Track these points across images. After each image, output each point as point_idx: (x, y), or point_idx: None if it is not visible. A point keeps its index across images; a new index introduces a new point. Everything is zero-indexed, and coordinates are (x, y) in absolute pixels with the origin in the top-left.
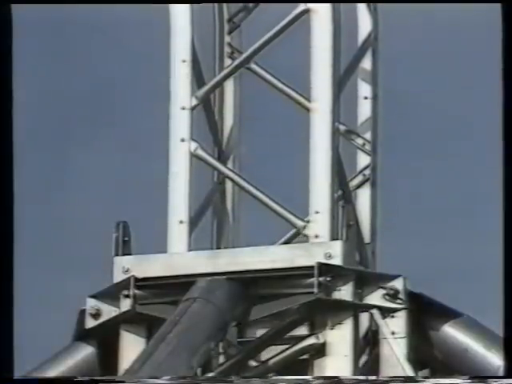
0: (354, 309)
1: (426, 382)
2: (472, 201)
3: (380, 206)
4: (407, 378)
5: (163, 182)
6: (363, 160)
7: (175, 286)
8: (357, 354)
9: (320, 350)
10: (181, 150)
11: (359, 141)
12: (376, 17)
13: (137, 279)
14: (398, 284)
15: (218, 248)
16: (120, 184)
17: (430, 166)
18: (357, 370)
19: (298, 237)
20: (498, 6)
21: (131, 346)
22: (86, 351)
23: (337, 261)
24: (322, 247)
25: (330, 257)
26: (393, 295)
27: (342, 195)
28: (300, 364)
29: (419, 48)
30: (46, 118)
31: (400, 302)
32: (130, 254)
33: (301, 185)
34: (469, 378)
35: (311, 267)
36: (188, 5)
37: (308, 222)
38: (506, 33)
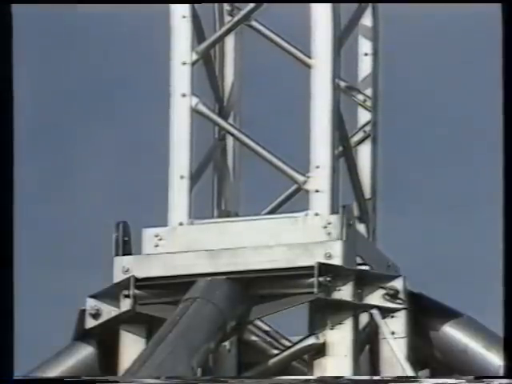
0: (354, 309)
1: (424, 383)
2: (472, 200)
3: (381, 164)
4: (405, 378)
5: (163, 181)
6: (364, 116)
7: (175, 286)
8: (357, 353)
9: (320, 350)
10: (182, 105)
11: (360, 97)
12: None
13: (137, 279)
14: (397, 284)
15: (219, 204)
16: (120, 184)
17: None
18: (357, 369)
19: (298, 192)
20: (498, 6)
21: (131, 346)
22: (85, 351)
23: (337, 261)
24: (322, 247)
25: (329, 257)
26: (393, 295)
27: (343, 151)
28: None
29: (419, 48)
30: (46, 117)
31: (400, 301)
32: (130, 254)
33: (301, 141)
34: (462, 379)
35: (311, 267)
36: None
37: (309, 177)
38: (506, 33)
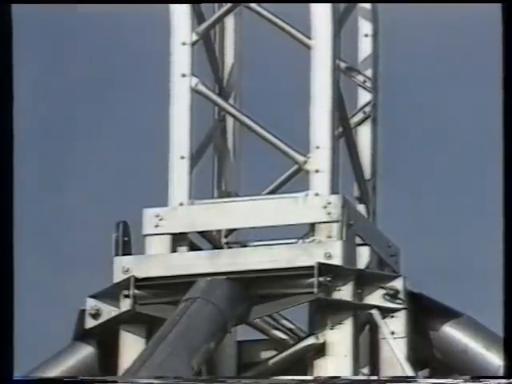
0: (354, 309)
1: (421, 383)
2: (472, 201)
3: (381, 144)
4: (402, 378)
5: (163, 182)
6: (364, 97)
7: (175, 286)
8: (357, 353)
9: (320, 350)
10: (182, 85)
11: (360, 78)
12: None
13: (137, 279)
14: (397, 284)
15: (219, 184)
16: (120, 184)
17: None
18: (357, 369)
19: (299, 173)
20: (498, 6)
21: (131, 346)
22: (85, 351)
23: (337, 261)
24: (322, 247)
25: (329, 257)
26: (393, 295)
27: (343, 132)
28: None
29: (419, 48)
30: (46, 116)
31: (400, 301)
32: (130, 254)
33: (302, 122)
34: (462, 379)
35: (311, 267)
36: None
37: (309, 157)
38: (506, 33)
